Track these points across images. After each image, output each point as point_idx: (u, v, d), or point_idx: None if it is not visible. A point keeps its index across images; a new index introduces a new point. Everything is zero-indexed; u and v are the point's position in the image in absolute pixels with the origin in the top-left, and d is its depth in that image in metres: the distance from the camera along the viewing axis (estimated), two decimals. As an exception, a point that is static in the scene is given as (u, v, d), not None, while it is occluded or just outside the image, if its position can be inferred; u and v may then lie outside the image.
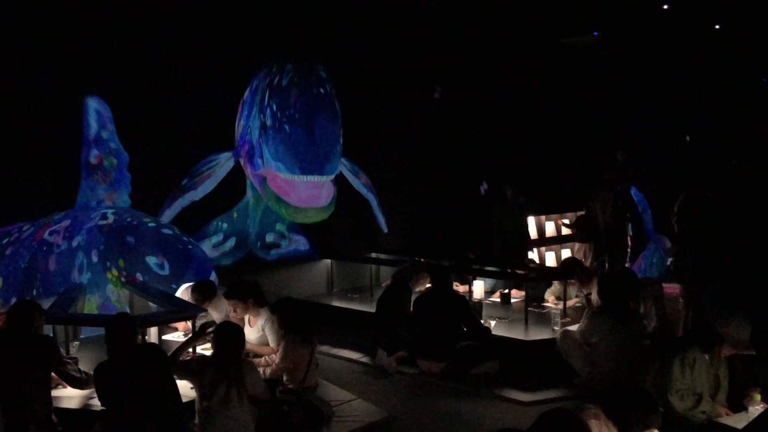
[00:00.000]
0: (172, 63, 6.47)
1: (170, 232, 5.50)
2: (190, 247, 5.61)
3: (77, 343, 5.09)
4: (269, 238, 7.60)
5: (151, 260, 4.88)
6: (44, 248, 4.57)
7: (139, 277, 4.38)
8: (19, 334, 3.94)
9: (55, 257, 4.50)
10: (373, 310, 6.45)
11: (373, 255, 8.48)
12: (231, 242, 7.09)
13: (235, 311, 5.14)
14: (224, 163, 6.73)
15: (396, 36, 8.45)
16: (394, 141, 8.58)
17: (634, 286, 5.51)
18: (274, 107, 6.76)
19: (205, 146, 6.81)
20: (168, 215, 6.01)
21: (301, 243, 7.95)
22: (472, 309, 5.78)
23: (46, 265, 4.48)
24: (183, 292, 5.58)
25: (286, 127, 6.64)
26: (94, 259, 4.54)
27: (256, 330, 5.17)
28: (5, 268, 4.68)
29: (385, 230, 8.64)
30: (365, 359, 6.06)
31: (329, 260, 8.10)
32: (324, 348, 6.29)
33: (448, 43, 9.08)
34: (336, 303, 7.54)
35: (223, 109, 7.00)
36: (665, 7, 9.15)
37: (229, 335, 4.03)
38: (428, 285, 6.04)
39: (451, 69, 9.27)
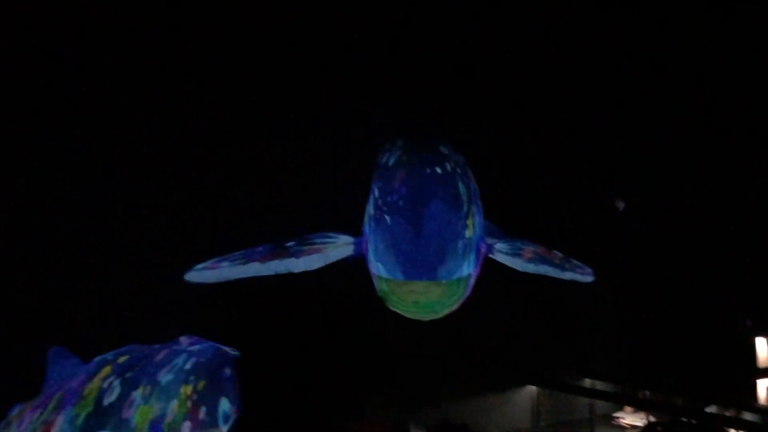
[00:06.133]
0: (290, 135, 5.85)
1: None
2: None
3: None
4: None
5: (225, 405, 4.03)
6: (172, 346, 4.14)
7: (202, 411, 3.65)
8: None
9: (168, 352, 4.01)
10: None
11: (587, 382, 7.16)
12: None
13: None
14: (340, 245, 5.44)
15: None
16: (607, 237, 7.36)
17: None
18: (377, 192, 5.48)
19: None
20: (253, 270, 4.95)
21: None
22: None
23: (156, 356, 3.99)
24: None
25: (387, 218, 5.20)
26: (188, 366, 3.96)
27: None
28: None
29: (589, 278, 6.81)
30: None
31: (534, 387, 6.88)
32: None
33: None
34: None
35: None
36: None
37: None
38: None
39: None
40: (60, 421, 2.39)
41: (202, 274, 4.69)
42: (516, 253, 4.99)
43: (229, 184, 5.75)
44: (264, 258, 4.80)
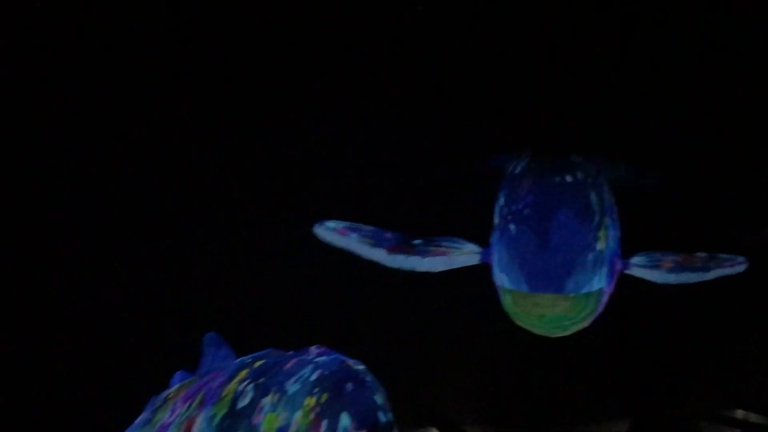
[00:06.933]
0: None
1: (385, 419, 4.33)
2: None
3: None
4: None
5: (345, 420, 3.98)
6: (301, 355, 4.21)
7: (324, 425, 3.52)
8: None
9: (297, 361, 4.04)
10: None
11: (739, 414, 6.61)
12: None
13: None
14: (465, 253, 5.25)
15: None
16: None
17: None
18: (502, 201, 5.21)
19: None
20: (377, 255, 4.77)
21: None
22: None
23: (287, 364, 4.03)
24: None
25: (512, 227, 4.89)
26: (314, 377, 3.91)
27: None
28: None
29: (742, 267, 5.86)
30: None
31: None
32: None
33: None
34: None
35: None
36: None
37: None
38: None
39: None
40: (200, 418, 2.56)
41: (330, 234, 4.71)
42: (654, 266, 4.72)
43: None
44: (391, 249, 4.77)
